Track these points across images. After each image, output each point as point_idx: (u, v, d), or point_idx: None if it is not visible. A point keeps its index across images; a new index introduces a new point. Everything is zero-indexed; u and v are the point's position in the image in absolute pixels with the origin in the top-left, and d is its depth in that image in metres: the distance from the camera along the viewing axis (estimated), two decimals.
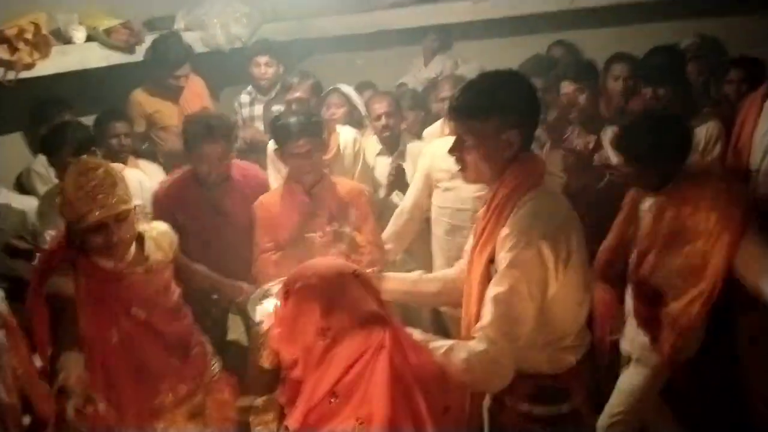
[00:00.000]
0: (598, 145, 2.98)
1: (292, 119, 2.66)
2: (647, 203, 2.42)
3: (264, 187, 3.04)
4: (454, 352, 1.62)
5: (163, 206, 2.85)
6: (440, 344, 1.65)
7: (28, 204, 3.03)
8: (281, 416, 1.65)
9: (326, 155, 3.01)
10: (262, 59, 4.03)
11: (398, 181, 3.29)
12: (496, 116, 1.70)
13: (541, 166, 1.80)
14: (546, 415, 1.84)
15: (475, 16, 4.54)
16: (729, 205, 2.24)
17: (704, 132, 2.94)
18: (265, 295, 2.04)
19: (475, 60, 4.63)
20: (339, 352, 1.45)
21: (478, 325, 1.68)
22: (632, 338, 2.50)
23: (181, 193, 2.86)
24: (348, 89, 3.77)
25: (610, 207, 2.91)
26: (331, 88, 3.72)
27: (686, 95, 3.09)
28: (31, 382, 2.22)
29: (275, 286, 1.93)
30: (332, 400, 1.41)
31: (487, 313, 1.67)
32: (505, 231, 1.68)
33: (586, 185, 2.94)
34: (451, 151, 1.78)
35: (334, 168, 3.15)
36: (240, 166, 3.03)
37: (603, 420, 2.49)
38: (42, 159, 3.10)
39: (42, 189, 3.21)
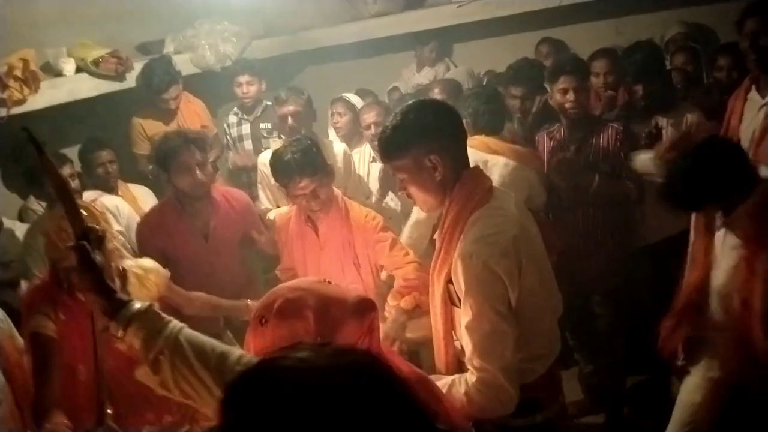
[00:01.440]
0: (588, 145, 2.98)
1: (288, 157, 2.46)
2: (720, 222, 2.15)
3: (249, 207, 3.07)
4: (455, 387, 1.71)
5: (148, 238, 2.83)
6: (442, 383, 1.72)
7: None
8: None
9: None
10: (243, 78, 4.08)
11: (387, 185, 3.30)
12: (411, 147, 1.75)
13: (485, 182, 1.82)
14: (521, 426, 1.84)
15: (460, 19, 4.54)
16: None
17: (683, 123, 2.96)
18: None
19: (463, 63, 4.65)
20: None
21: (466, 357, 1.72)
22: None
23: (164, 221, 2.84)
24: (354, 98, 3.82)
25: (605, 204, 2.98)
26: (337, 96, 3.78)
27: (666, 88, 3.09)
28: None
29: None
30: None
31: (466, 344, 1.71)
32: (455, 256, 1.71)
33: (578, 185, 2.94)
34: (399, 189, 1.87)
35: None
36: (220, 189, 3.03)
37: None
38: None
39: None
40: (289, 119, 3.36)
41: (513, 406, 1.72)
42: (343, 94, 3.83)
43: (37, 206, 3.35)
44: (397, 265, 2.59)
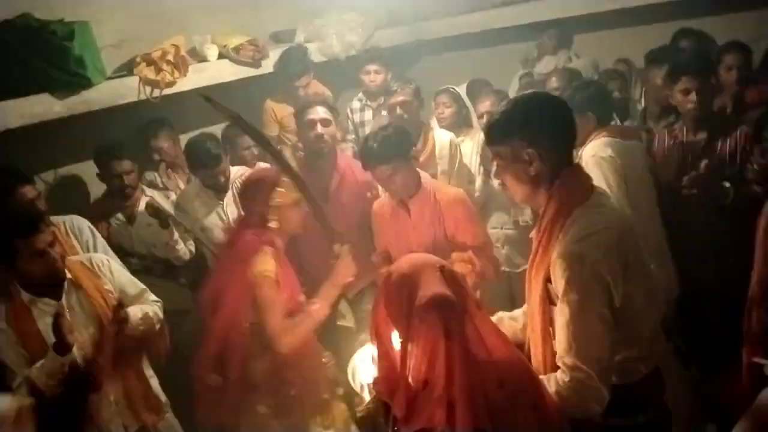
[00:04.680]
0: (710, 143, 2.85)
1: (371, 144, 2.73)
2: None
3: (373, 183, 3.16)
4: (545, 385, 1.69)
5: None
6: None
7: None
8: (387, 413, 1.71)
9: (420, 158, 3.10)
10: (372, 67, 4.23)
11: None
12: (512, 138, 1.77)
13: (586, 180, 1.81)
14: (622, 425, 1.82)
15: (586, 8, 4.45)
16: None
17: None
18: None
19: (589, 54, 4.55)
20: (416, 339, 1.53)
21: (558, 355, 1.72)
22: None
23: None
24: (459, 90, 3.86)
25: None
26: (442, 88, 3.84)
27: None
28: None
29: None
30: (424, 387, 1.49)
31: (561, 342, 1.70)
32: (555, 255, 1.70)
33: (696, 184, 2.82)
34: (496, 175, 1.86)
35: (430, 169, 3.25)
36: (346, 158, 3.35)
37: None
38: None
39: None
40: (398, 108, 3.47)
41: (603, 408, 1.68)
42: (449, 86, 3.88)
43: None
44: (474, 242, 2.79)
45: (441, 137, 3.56)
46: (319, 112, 3.13)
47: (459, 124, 3.79)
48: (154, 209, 3.17)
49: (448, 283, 1.60)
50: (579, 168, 1.86)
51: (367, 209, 3.07)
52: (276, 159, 2.72)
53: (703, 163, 2.82)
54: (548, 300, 1.76)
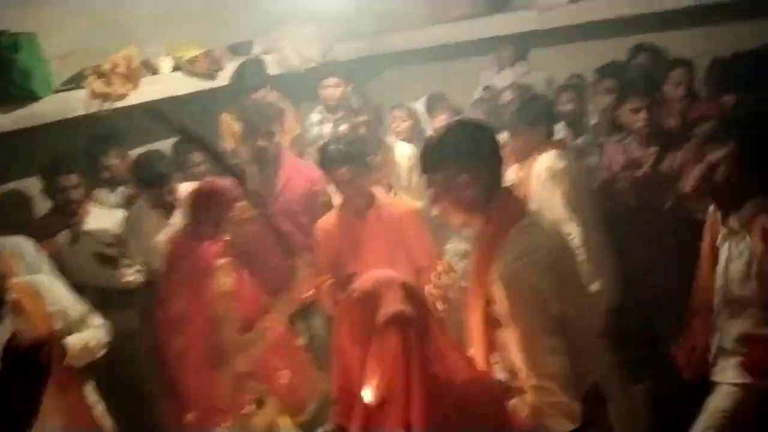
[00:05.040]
0: (660, 158, 2.90)
1: (332, 147, 2.81)
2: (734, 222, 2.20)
3: (317, 179, 3.20)
4: (518, 408, 1.72)
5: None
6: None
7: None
8: None
9: (377, 172, 3.15)
10: (330, 81, 4.20)
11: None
12: (444, 165, 1.81)
13: (518, 201, 1.88)
14: None
15: (545, 24, 4.52)
16: None
17: None
18: None
19: (545, 69, 4.62)
20: (375, 358, 1.50)
21: (522, 379, 1.73)
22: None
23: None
24: (417, 105, 3.89)
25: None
26: (398, 104, 3.88)
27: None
28: None
29: None
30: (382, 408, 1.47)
31: (518, 362, 1.72)
32: (494, 276, 1.72)
33: (645, 199, 2.89)
34: (432, 204, 1.95)
35: (391, 182, 3.30)
36: (293, 158, 3.43)
37: None
38: None
39: None
40: (362, 128, 3.52)
41: (575, 422, 1.69)
42: (405, 102, 3.95)
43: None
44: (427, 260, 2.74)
45: (401, 149, 3.61)
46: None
47: (417, 138, 3.81)
48: (102, 257, 3.08)
49: (411, 302, 1.59)
50: (510, 190, 1.91)
51: (316, 210, 3.09)
52: (229, 172, 2.67)
53: (648, 164, 2.91)
54: (488, 321, 1.77)
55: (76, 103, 3.39)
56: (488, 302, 1.75)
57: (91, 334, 2.44)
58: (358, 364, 1.58)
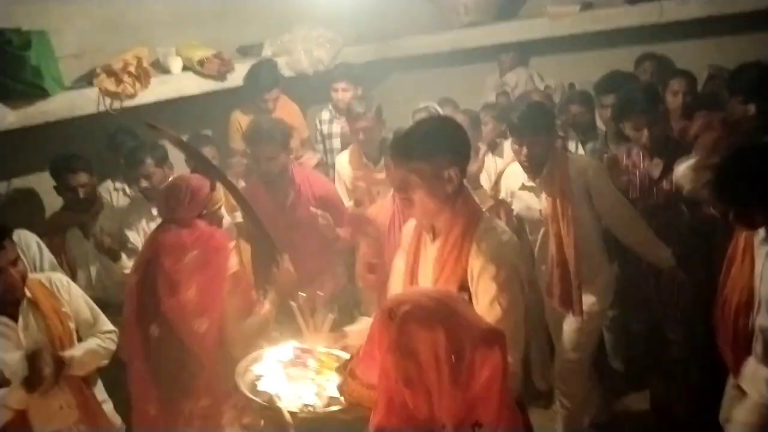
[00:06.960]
0: (666, 170, 2.89)
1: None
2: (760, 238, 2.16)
3: (330, 195, 3.32)
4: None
5: None
6: None
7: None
8: None
9: None
10: (340, 85, 4.21)
11: None
12: (437, 156, 1.80)
13: (475, 202, 1.94)
14: None
15: (553, 31, 4.52)
16: None
17: None
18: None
19: (552, 75, 4.62)
20: (466, 373, 1.37)
21: None
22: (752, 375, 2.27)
23: (248, 193, 2.95)
24: (438, 108, 3.88)
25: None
26: (422, 107, 3.83)
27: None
28: None
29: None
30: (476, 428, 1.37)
31: None
32: (479, 264, 1.80)
33: (655, 210, 2.88)
34: (398, 190, 1.93)
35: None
36: (305, 172, 3.41)
37: None
38: None
39: None
40: (360, 134, 3.49)
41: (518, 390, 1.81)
42: (429, 104, 3.86)
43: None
44: None
45: None
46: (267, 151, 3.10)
47: None
48: (103, 248, 3.05)
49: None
50: (466, 186, 1.95)
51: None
52: (220, 181, 2.60)
53: (656, 188, 2.92)
54: None
55: (87, 102, 3.42)
56: (460, 288, 1.82)
57: (93, 342, 2.45)
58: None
